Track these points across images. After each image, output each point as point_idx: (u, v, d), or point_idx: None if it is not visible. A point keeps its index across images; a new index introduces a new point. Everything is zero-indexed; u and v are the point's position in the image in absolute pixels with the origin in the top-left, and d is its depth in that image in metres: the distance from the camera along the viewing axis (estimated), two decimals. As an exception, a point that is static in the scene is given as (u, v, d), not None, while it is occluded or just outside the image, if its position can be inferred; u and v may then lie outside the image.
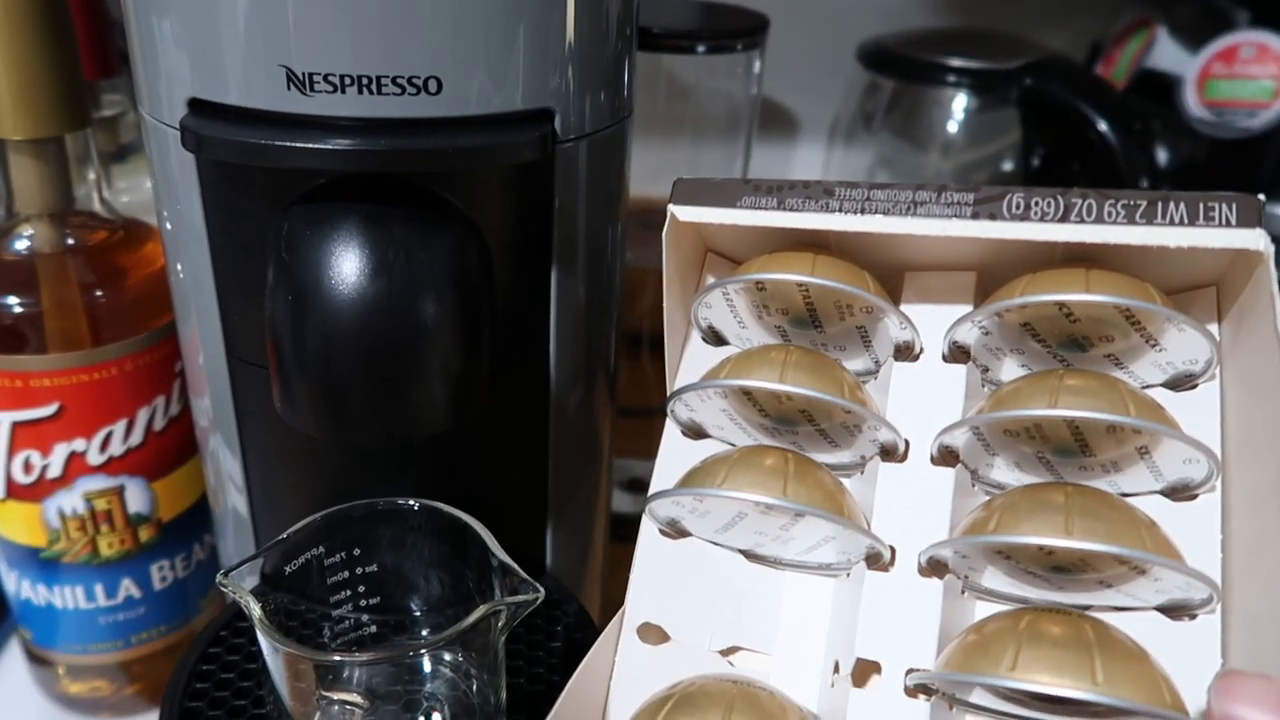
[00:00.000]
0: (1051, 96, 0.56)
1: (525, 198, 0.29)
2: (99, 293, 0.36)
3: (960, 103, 0.62)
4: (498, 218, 0.29)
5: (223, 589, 0.27)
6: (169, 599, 0.41)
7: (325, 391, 0.27)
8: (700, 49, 0.47)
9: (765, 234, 0.27)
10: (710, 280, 0.29)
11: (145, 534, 0.39)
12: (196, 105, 0.27)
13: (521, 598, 0.27)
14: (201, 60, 0.26)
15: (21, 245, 0.36)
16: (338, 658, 0.27)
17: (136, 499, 0.38)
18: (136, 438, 0.38)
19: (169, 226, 0.31)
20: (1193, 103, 0.58)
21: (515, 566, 0.28)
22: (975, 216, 0.25)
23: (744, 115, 0.51)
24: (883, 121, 0.68)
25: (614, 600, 0.47)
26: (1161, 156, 0.58)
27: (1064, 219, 0.24)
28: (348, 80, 0.25)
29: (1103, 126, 0.55)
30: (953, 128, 0.65)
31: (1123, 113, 0.55)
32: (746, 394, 0.27)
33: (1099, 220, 0.24)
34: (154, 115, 0.29)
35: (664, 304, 0.28)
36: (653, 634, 0.27)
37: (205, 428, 0.35)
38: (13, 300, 0.35)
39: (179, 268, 0.32)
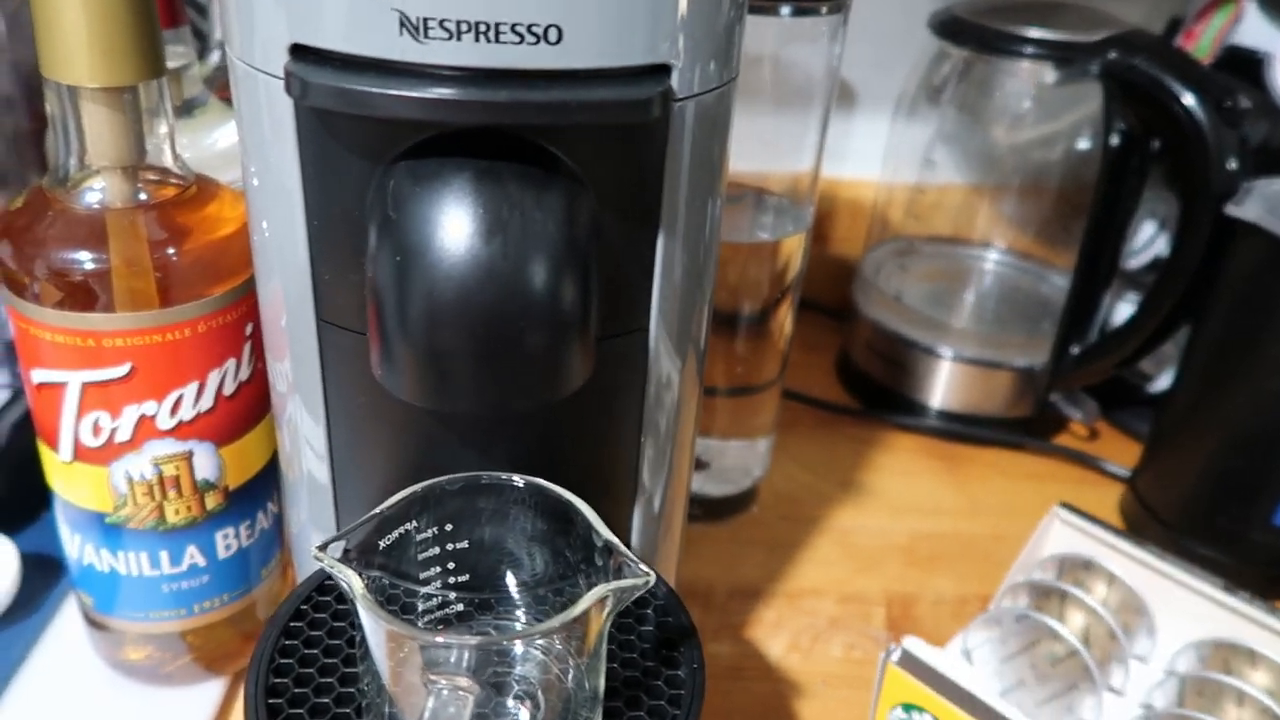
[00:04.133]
0: (1137, 70, 0.54)
1: (636, 158, 0.28)
2: (170, 250, 0.35)
3: (1037, 76, 0.60)
4: (608, 179, 0.27)
5: (318, 562, 0.26)
6: (232, 567, 0.40)
7: (431, 358, 0.25)
8: (784, 11, 0.45)
9: None
10: None
11: (212, 501, 0.38)
12: (298, 51, 0.25)
13: (629, 581, 0.26)
14: (307, 1, 0.25)
15: (93, 199, 0.34)
16: (466, 639, 0.26)
17: (205, 465, 0.37)
18: (207, 402, 0.36)
19: (255, 182, 0.30)
20: (1283, 81, 0.56)
21: (622, 546, 0.26)
22: None
23: (820, 84, 0.49)
24: (951, 94, 0.66)
25: (685, 581, 0.46)
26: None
27: None
28: (464, 26, 0.24)
29: (1190, 102, 0.53)
30: (1026, 101, 0.63)
31: (1214, 89, 0.53)
32: None
33: None
34: (246, 60, 0.27)
35: None
36: None
37: (283, 392, 0.33)
38: (84, 255, 0.33)
39: (264, 225, 0.30)
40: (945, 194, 0.71)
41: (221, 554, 0.39)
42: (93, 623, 0.41)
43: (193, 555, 0.39)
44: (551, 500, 0.28)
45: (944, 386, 0.67)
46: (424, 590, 0.30)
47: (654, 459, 0.34)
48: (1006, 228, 0.70)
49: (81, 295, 0.34)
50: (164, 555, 0.38)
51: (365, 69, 0.24)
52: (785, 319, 0.53)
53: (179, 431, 0.36)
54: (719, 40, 0.28)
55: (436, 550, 0.29)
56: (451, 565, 0.30)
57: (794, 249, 0.51)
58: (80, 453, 0.36)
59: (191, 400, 0.36)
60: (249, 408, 0.38)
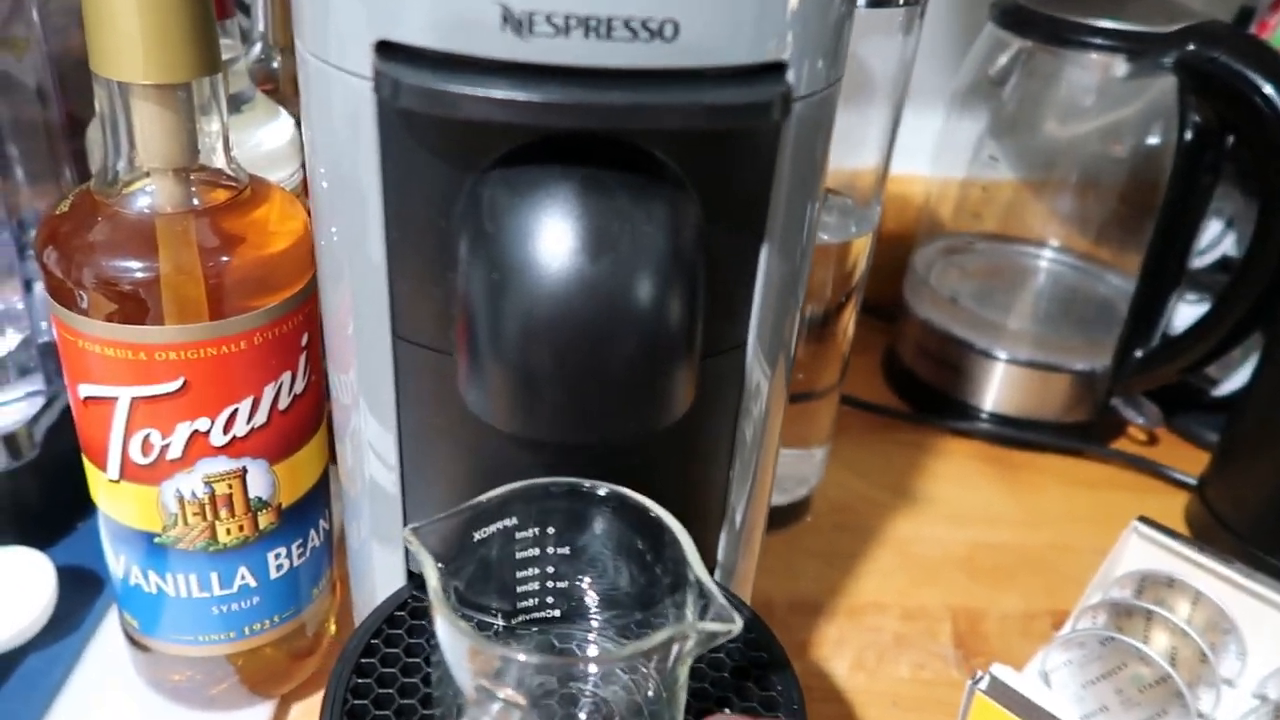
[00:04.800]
0: (1217, 63, 0.51)
1: (744, 163, 0.26)
2: (224, 258, 0.32)
3: (1106, 68, 0.58)
4: (713, 186, 0.25)
5: (408, 545, 0.24)
6: (283, 588, 0.38)
7: (527, 386, 0.23)
8: (860, 2, 0.43)
9: None
10: None
11: (265, 520, 0.36)
12: (385, 49, 0.23)
13: (715, 627, 0.24)
14: (396, -6, 0.22)
15: (143, 203, 0.32)
16: (528, 656, 0.24)
17: (258, 482, 0.35)
18: (261, 417, 0.34)
19: (325, 185, 0.28)
20: (1368, 74, 0.53)
21: (714, 588, 0.24)
22: None
23: (891, 78, 0.47)
24: (1012, 87, 0.63)
25: (760, 592, 0.44)
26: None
27: None
28: (573, 21, 0.22)
29: (1273, 94, 0.50)
30: (1090, 95, 0.61)
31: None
32: None
33: None
34: (320, 55, 0.25)
35: None
36: None
37: (347, 405, 0.31)
38: (134, 264, 0.31)
39: (333, 230, 0.28)
40: (1000, 190, 0.68)
41: (273, 574, 0.37)
42: (136, 644, 0.39)
43: (244, 576, 0.37)
44: (649, 522, 0.26)
45: (998, 389, 0.65)
46: (520, 589, 0.28)
47: (740, 474, 0.32)
48: (1064, 225, 0.68)
49: (132, 306, 0.32)
50: (214, 576, 0.36)
51: (462, 68, 0.22)
52: (848, 323, 0.51)
53: (232, 448, 0.34)
54: (829, 37, 0.26)
55: (536, 551, 0.27)
56: (550, 569, 0.28)
57: (860, 250, 0.49)
58: (129, 471, 0.34)
59: (246, 416, 0.34)
60: (303, 422, 0.36)
